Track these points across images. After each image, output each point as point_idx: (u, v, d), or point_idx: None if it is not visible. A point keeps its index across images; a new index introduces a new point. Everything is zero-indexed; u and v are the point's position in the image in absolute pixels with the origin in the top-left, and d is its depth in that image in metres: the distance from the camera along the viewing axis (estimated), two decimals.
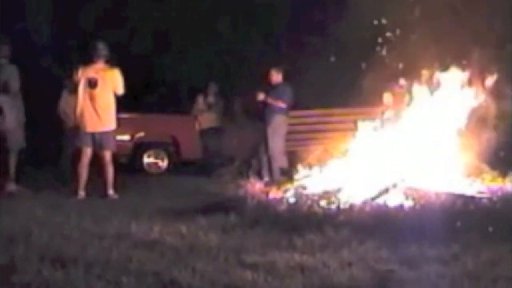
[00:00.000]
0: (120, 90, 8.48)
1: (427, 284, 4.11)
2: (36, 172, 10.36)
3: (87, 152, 8.51)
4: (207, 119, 12.61)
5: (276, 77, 10.47)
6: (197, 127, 12.68)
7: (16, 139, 8.85)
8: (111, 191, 8.43)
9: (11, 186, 8.74)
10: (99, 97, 8.40)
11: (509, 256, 4.58)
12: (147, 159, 12.87)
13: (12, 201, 7.81)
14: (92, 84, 8.34)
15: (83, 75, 8.46)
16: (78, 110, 8.50)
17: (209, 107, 12.62)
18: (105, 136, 8.51)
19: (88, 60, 8.52)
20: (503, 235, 5.17)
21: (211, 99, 12.68)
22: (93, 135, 8.49)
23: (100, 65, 8.48)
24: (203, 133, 12.62)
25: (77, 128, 8.61)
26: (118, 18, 15.31)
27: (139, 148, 12.80)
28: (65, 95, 10.97)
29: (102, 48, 8.52)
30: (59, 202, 7.71)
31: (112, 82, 8.43)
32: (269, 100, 10.24)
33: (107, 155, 8.51)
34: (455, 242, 5.00)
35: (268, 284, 4.12)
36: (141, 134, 12.81)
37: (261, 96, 10.26)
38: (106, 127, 8.49)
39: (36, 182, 9.30)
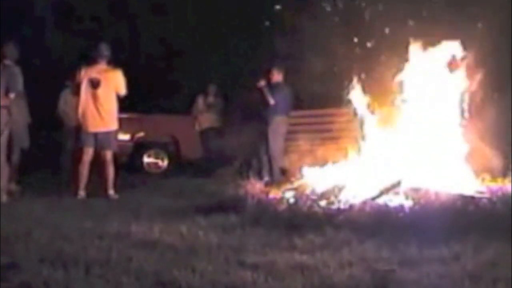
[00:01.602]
0: (123, 91, 8.50)
1: (427, 284, 4.11)
2: (36, 172, 10.35)
3: (89, 152, 8.52)
4: (207, 119, 12.61)
5: (277, 76, 10.48)
6: (197, 127, 12.68)
7: (20, 139, 8.86)
8: (111, 191, 8.45)
9: (12, 186, 8.75)
10: (101, 97, 8.43)
11: (509, 256, 4.58)
12: (147, 159, 12.88)
13: (12, 201, 7.81)
14: (94, 84, 8.37)
15: (85, 75, 8.47)
16: (80, 110, 8.52)
17: (209, 107, 12.62)
18: (107, 136, 8.54)
19: (90, 61, 8.55)
20: (503, 235, 5.17)
21: (211, 99, 12.68)
22: (95, 135, 8.50)
23: (102, 65, 8.50)
24: (203, 133, 12.62)
25: (79, 128, 8.63)
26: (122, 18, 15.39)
27: (139, 148, 12.80)
28: (64, 95, 10.99)
29: (104, 49, 8.55)
30: (59, 202, 7.72)
31: (114, 82, 8.45)
32: (264, 91, 10.26)
33: (108, 155, 8.53)
34: (455, 242, 5.00)
35: (268, 284, 4.12)
36: (141, 134, 12.81)
37: (262, 83, 10.29)
38: (108, 127, 8.52)
39: (36, 182, 9.30)
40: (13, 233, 5.62)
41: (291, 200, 6.75)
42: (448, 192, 6.58)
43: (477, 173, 7.41)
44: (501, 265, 4.42)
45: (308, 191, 6.94)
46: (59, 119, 11.21)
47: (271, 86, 10.40)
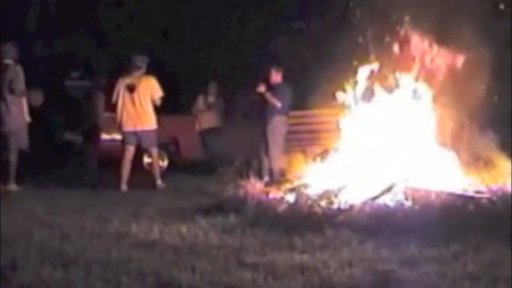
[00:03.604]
0: (158, 97, 9.33)
1: (427, 284, 4.11)
2: (36, 172, 10.34)
3: (130, 149, 9.44)
4: (207, 119, 12.59)
5: (276, 77, 10.47)
6: (197, 127, 12.67)
7: (19, 139, 8.87)
8: (159, 181, 9.45)
9: (11, 186, 8.75)
10: (138, 100, 9.29)
11: (509, 256, 4.58)
12: (147, 159, 12.87)
13: (12, 201, 7.81)
14: (130, 88, 9.28)
15: (122, 83, 9.39)
16: (119, 112, 9.38)
17: (209, 107, 12.61)
18: (147, 134, 9.42)
19: (126, 71, 9.52)
20: (503, 235, 5.17)
21: (211, 99, 12.67)
22: (135, 133, 9.37)
23: (137, 74, 9.40)
24: (203, 133, 12.61)
25: (120, 128, 9.55)
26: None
27: (139, 148, 12.78)
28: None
29: (137, 60, 9.45)
30: (59, 202, 7.72)
31: (149, 88, 9.34)
32: (267, 96, 10.24)
33: (154, 152, 9.61)
34: (455, 242, 5.00)
35: (268, 284, 4.12)
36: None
37: (261, 88, 10.27)
38: (146, 126, 9.38)
39: (36, 182, 9.30)
40: (13, 233, 5.62)
41: (291, 200, 6.75)
42: (448, 192, 6.58)
43: (477, 172, 7.41)
44: (501, 265, 4.42)
45: (308, 191, 6.93)
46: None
47: (271, 87, 10.38)
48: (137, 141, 9.46)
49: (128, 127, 9.37)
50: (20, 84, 8.80)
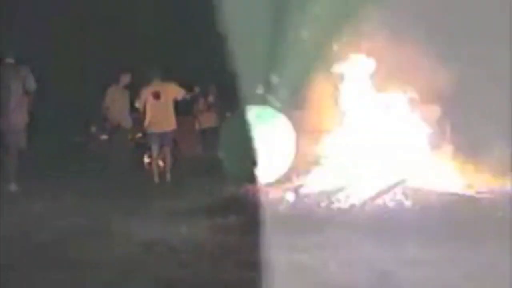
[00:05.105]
0: (181, 95, 10.21)
1: (426, 284, 4.11)
2: (36, 172, 10.36)
3: (156, 148, 10.34)
4: (207, 119, 12.60)
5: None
6: (197, 127, 12.67)
7: (19, 139, 8.86)
8: (168, 175, 10.14)
9: (11, 186, 8.74)
10: (162, 105, 10.19)
11: (509, 256, 4.58)
12: (147, 159, 12.87)
13: (12, 201, 7.81)
14: (156, 96, 10.19)
15: (147, 90, 10.24)
16: (148, 117, 10.22)
17: (209, 107, 12.61)
18: (167, 134, 10.29)
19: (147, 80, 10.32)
20: (503, 235, 5.18)
21: (211, 99, 12.67)
22: (159, 135, 10.25)
23: (157, 81, 10.24)
24: (203, 132, 12.61)
25: (146, 131, 10.55)
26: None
27: (139, 148, 12.78)
28: (111, 93, 11.10)
29: (155, 69, 10.35)
30: (59, 202, 7.72)
31: (172, 92, 10.19)
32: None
33: (167, 150, 10.34)
34: (454, 242, 5.00)
35: (268, 284, 4.12)
36: (141, 134, 12.81)
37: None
38: (169, 127, 10.29)
39: (36, 182, 9.30)
40: (13, 233, 5.62)
41: (291, 200, 6.75)
42: (448, 192, 6.59)
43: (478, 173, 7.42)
44: (501, 265, 4.42)
45: (308, 191, 6.94)
46: (104, 116, 11.28)
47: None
48: (160, 141, 10.36)
49: (155, 129, 10.30)
50: (33, 83, 8.80)
